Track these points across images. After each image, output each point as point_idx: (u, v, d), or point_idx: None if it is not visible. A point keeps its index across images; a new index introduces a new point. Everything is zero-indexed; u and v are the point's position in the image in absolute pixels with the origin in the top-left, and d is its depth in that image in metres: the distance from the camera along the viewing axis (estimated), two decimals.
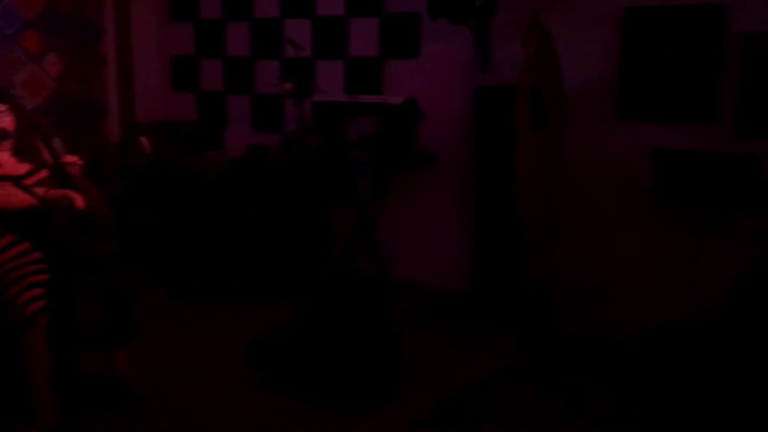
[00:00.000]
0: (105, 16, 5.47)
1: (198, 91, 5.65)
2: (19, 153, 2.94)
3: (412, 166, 4.48)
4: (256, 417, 2.97)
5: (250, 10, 5.25)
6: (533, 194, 3.74)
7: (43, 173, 2.96)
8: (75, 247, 2.80)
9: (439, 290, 4.49)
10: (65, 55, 5.24)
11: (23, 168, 2.91)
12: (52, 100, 5.16)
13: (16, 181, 2.76)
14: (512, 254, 3.97)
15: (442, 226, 4.60)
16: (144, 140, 5.11)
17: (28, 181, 2.89)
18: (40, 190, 2.84)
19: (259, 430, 2.88)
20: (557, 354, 3.73)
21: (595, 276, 3.99)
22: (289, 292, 4.32)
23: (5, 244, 2.82)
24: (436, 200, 4.60)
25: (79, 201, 2.86)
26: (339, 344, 3.22)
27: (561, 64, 3.72)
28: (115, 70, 5.59)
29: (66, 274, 2.71)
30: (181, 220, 4.74)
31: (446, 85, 4.44)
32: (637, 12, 3.80)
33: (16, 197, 2.80)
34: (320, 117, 4.55)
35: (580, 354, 3.73)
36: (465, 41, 4.24)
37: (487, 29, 4.13)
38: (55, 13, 5.14)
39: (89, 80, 5.44)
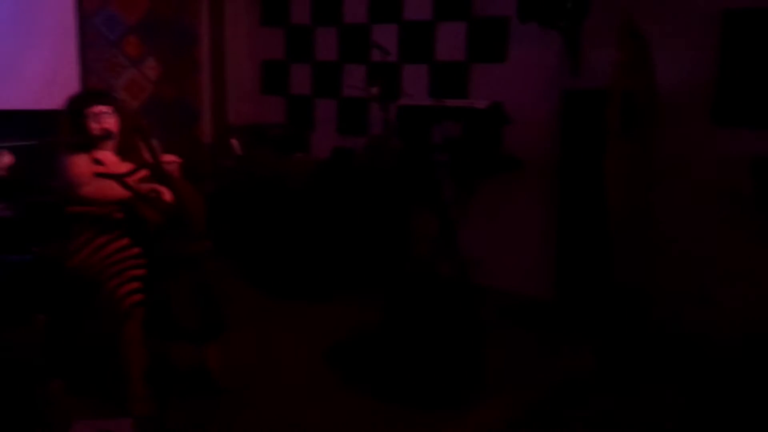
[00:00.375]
0: (201, 22, 5.70)
1: (287, 94, 5.79)
2: (122, 152, 3.11)
3: (496, 170, 4.45)
4: (335, 415, 3.01)
5: (339, 15, 5.34)
6: (623, 199, 3.63)
7: (143, 172, 3.12)
8: (170, 244, 2.92)
9: (520, 296, 4.43)
10: (163, 59, 5.49)
11: (125, 167, 3.07)
12: (150, 102, 5.41)
13: (118, 178, 2.91)
14: (598, 261, 3.87)
15: (526, 232, 4.53)
16: (234, 142, 5.28)
17: (129, 180, 3.04)
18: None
19: (338, 428, 2.92)
20: (643, 361, 3.60)
21: (687, 283, 3.83)
22: (372, 292, 4.36)
23: (107, 240, 2.99)
24: (520, 205, 4.54)
25: (167, 195, 2.99)
26: (421, 346, 3.22)
27: (654, 68, 3.61)
28: (209, 73, 5.81)
29: (162, 269, 2.83)
30: (268, 219, 4.88)
31: (533, 89, 4.37)
32: (737, 14, 3.64)
33: (113, 190, 2.95)
34: (405, 120, 4.58)
35: (668, 362, 3.59)
36: (554, 45, 4.16)
37: (578, 32, 4.04)
38: (155, 19, 5.39)
39: (185, 83, 5.68)
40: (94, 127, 3.03)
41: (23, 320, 2.28)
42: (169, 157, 3.13)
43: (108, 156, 3.09)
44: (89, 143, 3.04)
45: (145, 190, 2.98)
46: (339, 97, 5.43)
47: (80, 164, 2.99)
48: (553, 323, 4.05)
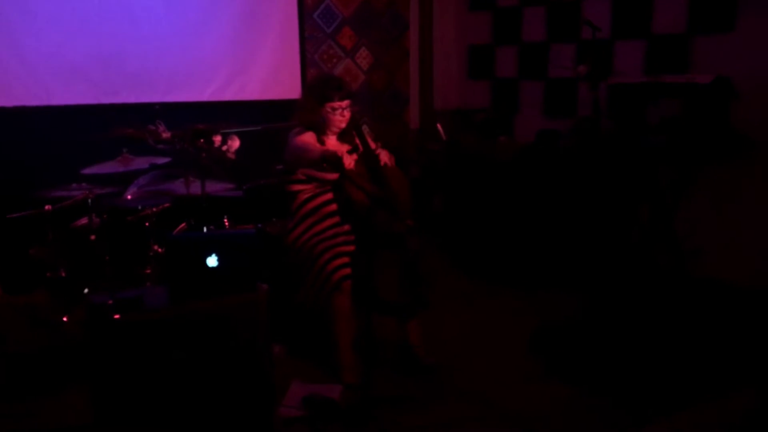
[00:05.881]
0: (411, 10, 5.85)
1: (492, 78, 5.76)
2: (341, 137, 3.32)
3: (721, 152, 4.06)
4: (537, 402, 2.96)
5: None
6: None
7: (355, 155, 3.30)
8: (377, 223, 3.06)
9: (748, 290, 4.01)
10: (374, 49, 5.73)
11: (342, 149, 3.27)
12: (362, 90, 5.68)
13: None
14: None
15: (756, 220, 4.09)
16: (440, 126, 5.37)
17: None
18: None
19: (540, 416, 2.86)
20: None
21: None
22: (578, 281, 4.22)
23: (319, 218, 3.20)
24: (750, 191, 4.10)
25: (348, 160, 3.09)
26: (633, 340, 3.06)
27: None
28: (416, 60, 5.96)
29: (368, 246, 2.98)
30: (472, 202, 4.91)
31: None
32: None
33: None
34: (616, 100, 4.35)
35: None
36: None
37: None
38: (368, 10, 5.64)
39: (394, 71, 5.89)
40: (332, 118, 3.23)
41: (250, 288, 2.52)
42: (383, 154, 3.26)
43: (330, 140, 3.30)
44: (318, 127, 3.25)
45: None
46: (546, 78, 5.29)
47: (308, 138, 3.23)
48: None
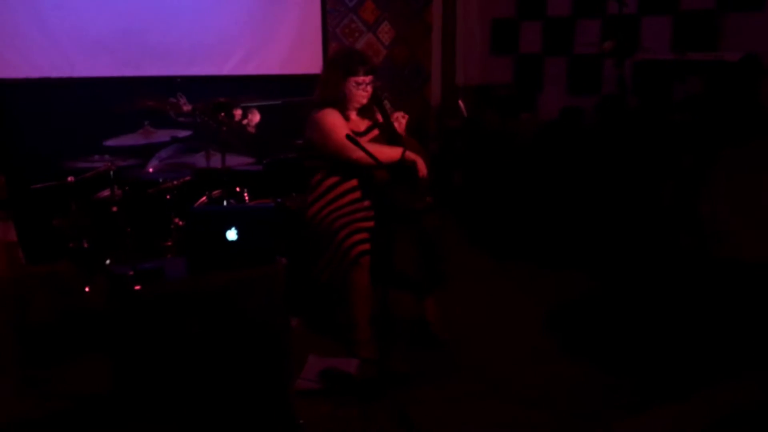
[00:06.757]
0: None
1: (516, 53, 5.69)
2: (361, 113, 3.30)
3: (747, 131, 3.98)
4: (554, 380, 2.95)
5: None
6: None
7: (375, 131, 3.29)
8: (396, 198, 3.06)
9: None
10: (396, 23, 5.67)
11: (363, 125, 3.28)
12: (384, 65, 5.63)
13: (358, 135, 3.10)
14: None
15: None
16: (461, 103, 5.33)
17: (366, 137, 3.23)
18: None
19: (557, 392, 2.86)
20: None
21: None
22: (599, 260, 4.19)
23: (339, 193, 3.20)
24: None
25: (422, 169, 3.10)
26: (648, 322, 3.04)
27: None
28: (439, 36, 5.89)
29: (387, 222, 2.97)
30: (492, 179, 4.88)
31: None
32: None
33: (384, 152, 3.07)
34: (642, 77, 4.28)
35: None
36: None
37: None
38: None
39: (416, 46, 5.83)
40: (355, 93, 3.17)
41: (268, 262, 2.53)
42: (398, 114, 3.25)
43: (353, 115, 3.28)
44: (340, 103, 3.20)
45: (410, 158, 3.10)
46: (570, 54, 5.21)
47: (336, 115, 3.18)
48: None
